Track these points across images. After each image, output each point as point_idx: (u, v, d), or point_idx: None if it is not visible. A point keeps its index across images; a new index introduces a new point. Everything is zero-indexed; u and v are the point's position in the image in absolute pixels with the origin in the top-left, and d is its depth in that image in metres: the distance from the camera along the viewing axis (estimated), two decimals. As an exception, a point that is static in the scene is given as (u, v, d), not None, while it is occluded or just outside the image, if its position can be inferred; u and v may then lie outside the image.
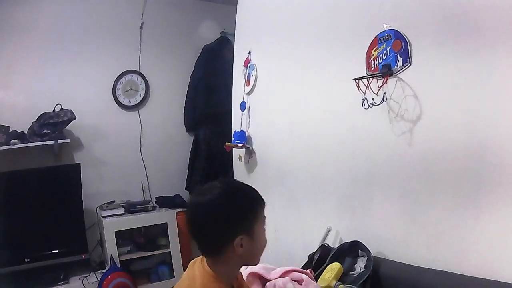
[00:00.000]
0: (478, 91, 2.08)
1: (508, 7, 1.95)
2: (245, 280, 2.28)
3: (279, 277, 2.42)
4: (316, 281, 2.48)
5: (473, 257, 2.12)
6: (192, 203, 1.78)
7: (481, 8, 2.07)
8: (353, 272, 2.57)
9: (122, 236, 4.96)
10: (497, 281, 1.92)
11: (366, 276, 2.41)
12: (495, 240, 2.02)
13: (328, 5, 3.11)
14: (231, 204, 1.71)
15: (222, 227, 1.70)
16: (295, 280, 2.39)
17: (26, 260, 4.39)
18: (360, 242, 2.64)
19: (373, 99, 2.59)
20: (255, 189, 1.83)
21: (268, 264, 2.54)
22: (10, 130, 4.67)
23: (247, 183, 1.86)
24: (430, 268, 2.27)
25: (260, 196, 1.82)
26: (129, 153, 5.57)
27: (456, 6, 2.18)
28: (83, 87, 5.29)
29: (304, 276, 2.41)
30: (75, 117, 4.86)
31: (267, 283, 2.38)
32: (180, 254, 5.20)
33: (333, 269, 2.52)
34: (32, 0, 5.09)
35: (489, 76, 2.03)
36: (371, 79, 2.59)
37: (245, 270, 2.42)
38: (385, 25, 2.54)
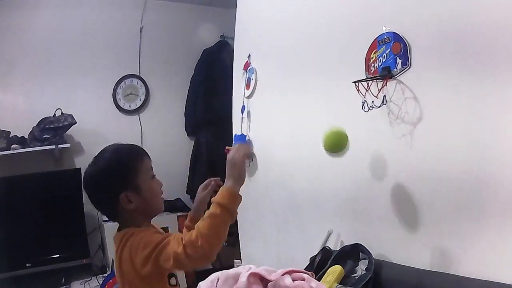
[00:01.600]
0: (478, 93, 2.08)
1: (509, 7, 1.95)
2: (247, 280, 2.29)
3: (279, 278, 2.42)
4: (318, 284, 2.48)
5: (474, 259, 2.11)
6: (84, 173, 1.97)
7: (481, 10, 2.07)
8: (354, 275, 2.57)
9: (124, 241, 4.96)
10: (498, 282, 1.91)
11: (368, 278, 2.41)
12: (496, 241, 2.01)
13: (328, 8, 3.11)
14: (103, 168, 1.91)
15: (101, 191, 1.91)
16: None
17: (27, 264, 4.41)
18: (361, 245, 2.64)
19: (373, 101, 2.59)
20: (136, 146, 2.05)
21: (269, 267, 2.54)
22: (11, 135, 4.69)
23: (133, 144, 2.08)
24: (432, 270, 2.26)
25: (140, 150, 2.03)
26: (129, 157, 5.57)
27: (455, 8, 2.18)
28: (83, 92, 5.32)
29: (305, 275, 2.41)
30: (76, 122, 4.88)
31: (268, 284, 2.38)
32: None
33: (334, 272, 2.52)
34: (31, 5, 5.11)
35: (489, 78, 2.03)
36: (370, 82, 2.59)
37: (246, 272, 2.42)
38: (384, 28, 2.54)
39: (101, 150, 2.00)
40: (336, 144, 2.66)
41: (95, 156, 1.98)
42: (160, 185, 2.07)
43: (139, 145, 5.36)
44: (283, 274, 2.34)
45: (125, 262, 1.84)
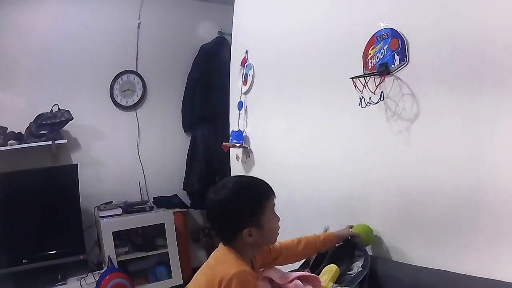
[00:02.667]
0: (476, 89, 2.08)
1: (507, 5, 1.95)
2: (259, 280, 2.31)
3: (289, 282, 2.41)
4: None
5: (471, 256, 2.11)
6: (208, 200, 2.04)
7: (479, 7, 2.07)
8: (350, 272, 2.57)
9: (120, 237, 4.97)
10: (495, 280, 1.92)
11: (363, 275, 2.40)
12: (493, 239, 2.01)
13: (325, 4, 3.11)
14: (237, 202, 1.99)
15: (230, 222, 1.99)
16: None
17: (24, 261, 4.41)
18: (357, 242, 2.64)
19: (370, 98, 2.59)
20: (263, 182, 2.11)
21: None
22: (8, 131, 4.68)
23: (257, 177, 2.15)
24: (428, 267, 2.26)
25: (268, 188, 2.09)
26: (126, 154, 5.59)
27: (454, 5, 2.18)
28: (80, 88, 5.31)
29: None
30: (73, 118, 4.87)
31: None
32: (177, 254, 5.22)
33: (329, 271, 2.51)
34: (29, 1, 5.08)
35: (487, 73, 2.03)
36: (368, 78, 2.59)
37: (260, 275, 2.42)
38: (382, 24, 2.54)
39: (234, 181, 2.15)
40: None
41: (226, 185, 2.05)
42: (278, 221, 2.13)
43: (136, 141, 5.45)
44: (292, 280, 2.33)
45: (218, 273, 1.89)
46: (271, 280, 2.31)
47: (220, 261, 1.97)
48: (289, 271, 2.44)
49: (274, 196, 2.10)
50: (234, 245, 2.01)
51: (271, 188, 2.10)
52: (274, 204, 2.09)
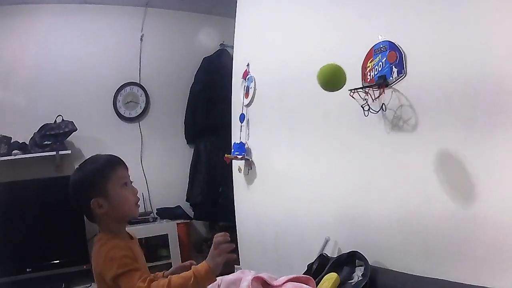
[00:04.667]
0: (474, 102, 2.10)
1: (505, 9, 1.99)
2: (250, 285, 2.34)
3: (281, 285, 2.44)
4: (315, 290, 2.50)
5: (470, 265, 2.13)
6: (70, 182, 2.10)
7: (476, 19, 2.10)
8: (351, 281, 2.59)
9: (123, 247, 4.97)
10: (493, 288, 1.94)
11: (363, 284, 2.43)
12: (491, 248, 2.04)
13: (325, 17, 3.14)
14: (81, 174, 2.08)
15: (76, 197, 2.08)
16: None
17: (27, 269, 4.44)
18: (358, 252, 2.66)
19: (369, 109, 2.62)
20: (108, 156, 2.17)
21: (267, 273, 2.57)
22: (12, 141, 4.72)
23: (110, 155, 2.20)
24: (427, 276, 2.28)
25: (113, 160, 2.14)
26: (129, 165, 5.54)
27: (451, 17, 2.21)
28: (84, 99, 5.34)
29: (304, 286, 2.44)
30: (76, 129, 4.91)
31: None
32: (180, 261, 5.21)
33: (330, 279, 2.54)
34: (32, 10, 5.15)
35: (483, 84, 2.06)
36: (367, 90, 2.62)
37: (248, 277, 2.45)
38: (380, 37, 2.57)
39: (84, 161, 2.18)
40: (331, 79, 2.46)
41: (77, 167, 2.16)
42: (135, 193, 2.16)
43: (140, 152, 5.47)
44: (286, 282, 2.37)
45: (97, 266, 1.96)
46: (264, 283, 2.34)
47: (95, 253, 2.01)
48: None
49: (125, 168, 2.15)
50: (98, 222, 2.08)
51: (118, 158, 2.16)
52: (126, 176, 2.13)
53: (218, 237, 1.96)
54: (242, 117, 4.10)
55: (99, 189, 2.02)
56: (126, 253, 1.93)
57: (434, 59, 2.29)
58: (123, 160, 2.17)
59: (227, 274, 2.69)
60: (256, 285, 2.37)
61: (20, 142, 4.78)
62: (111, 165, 2.11)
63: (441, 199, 2.27)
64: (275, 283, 2.45)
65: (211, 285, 2.31)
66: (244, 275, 2.50)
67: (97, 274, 1.97)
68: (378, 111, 2.59)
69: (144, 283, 1.79)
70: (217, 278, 2.61)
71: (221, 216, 5.46)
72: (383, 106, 2.56)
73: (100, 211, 2.01)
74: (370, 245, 2.71)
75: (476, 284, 2.03)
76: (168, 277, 1.88)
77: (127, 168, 2.17)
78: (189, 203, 5.81)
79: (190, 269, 1.96)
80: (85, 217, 2.12)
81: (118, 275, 1.83)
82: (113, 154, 2.19)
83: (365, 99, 2.62)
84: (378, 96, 2.55)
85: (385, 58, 2.53)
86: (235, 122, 4.26)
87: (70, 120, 4.93)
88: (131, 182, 2.17)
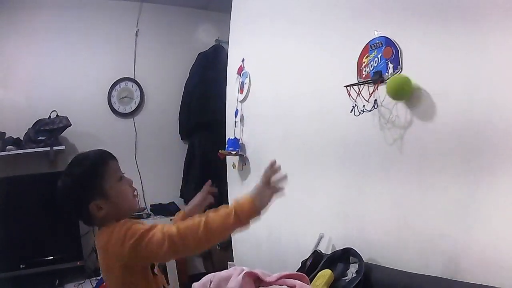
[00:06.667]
0: (468, 96, 2.10)
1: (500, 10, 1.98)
2: (242, 279, 2.32)
3: (275, 281, 2.44)
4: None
5: (465, 263, 2.12)
6: (57, 188, 1.92)
7: (471, 14, 2.09)
8: (345, 278, 2.59)
9: (117, 244, 4.95)
10: (489, 286, 1.93)
11: (357, 281, 2.42)
12: (487, 245, 2.03)
13: (320, 12, 3.13)
14: (68, 184, 1.88)
15: (69, 205, 1.91)
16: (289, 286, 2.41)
17: (21, 266, 4.41)
18: (352, 249, 2.66)
19: (364, 106, 2.61)
20: (96, 151, 2.00)
21: (261, 269, 2.56)
22: (6, 136, 4.69)
23: (96, 150, 2.04)
24: (422, 273, 2.27)
25: (102, 155, 1.97)
26: (123, 161, 5.52)
27: (446, 13, 2.20)
28: (79, 94, 5.33)
29: (297, 282, 2.43)
30: (71, 124, 4.89)
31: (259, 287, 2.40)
32: (174, 261, 5.20)
33: (324, 275, 2.54)
34: (29, 6, 5.12)
35: (479, 82, 2.05)
36: (362, 86, 2.61)
37: (239, 275, 2.44)
38: (376, 32, 2.56)
39: (69, 163, 1.99)
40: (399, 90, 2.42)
41: (64, 171, 1.96)
42: (130, 183, 2.01)
43: (134, 148, 5.46)
44: (279, 279, 2.36)
45: (112, 254, 1.80)
46: (257, 279, 2.34)
47: (102, 245, 1.85)
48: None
49: (116, 160, 1.98)
50: (98, 225, 1.91)
51: (107, 153, 1.99)
52: (119, 169, 1.98)
53: (270, 167, 1.88)
54: (236, 113, 4.09)
55: (95, 190, 1.85)
56: (136, 222, 1.85)
57: (430, 54, 2.29)
58: (114, 154, 2.01)
59: (220, 271, 2.68)
60: (249, 281, 2.37)
61: (15, 137, 4.76)
62: (102, 161, 1.93)
63: (435, 196, 2.27)
64: (268, 279, 2.44)
65: (202, 283, 2.30)
66: (237, 272, 2.49)
67: (108, 264, 1.84)
68: (370, 110, 2.58)
69: (172, 228, 1.69)
70: (210, 274, 2.62)
71: (215, 213, 5.44)
72: (376, 102, 2.55)
73: (100, 214, 1.85)
74: (365, 242, 2.71)
75: (470, 282, 2.03)
76: (205, 213, 1.76)
77: (117, 160, 2.00)
78: (183, 199, 5.80)
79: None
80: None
81: (139, 237, 1.71)
82: (99, 149, 2.04)
83: (355, 99, 2.63)
84: (372, 92, 2.54)
85: (380, 54, 2.53)
86: (230, 118, 4.25)
87: (64, 116, 4.90)
88: (123, 173, 2.00)
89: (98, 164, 1.91)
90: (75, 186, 1.87)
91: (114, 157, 2.00)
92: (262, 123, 3.79)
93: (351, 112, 2.68)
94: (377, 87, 2.52)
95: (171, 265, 5.17)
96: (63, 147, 4.93)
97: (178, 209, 5.51)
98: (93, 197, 1.84)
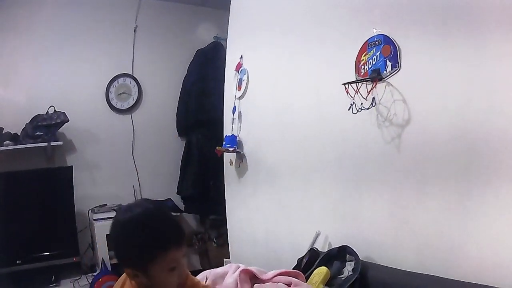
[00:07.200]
0: (467, 95, 2.10)
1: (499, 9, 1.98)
2: (238, 276, 2.32)
3: (271, 278, 2.44)
4: (304, 285, 2.50)
5: (461, 262, 2.13)
6: (114, 219, 1.73)
7: (469, 13, 2.09)
8: (341, 276, 2.59)
9: (114, 240, 4.95)
10: (485, 285, 1.94)
11: (354, 279, 2.42)
12: (483, 244, 2.03)
13: (319, 10, 3.13)
14: (126, 236, 1.65)
15: (117, 251, 1.70)
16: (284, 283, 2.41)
17: (17, 261, 4.40)
18: (348, 246, 2.66)
19: (362, 104, 2.61)
20: (173, 228, 1.70)
21: (257, 267, 2.56)
22: (4, 132, 4.67)
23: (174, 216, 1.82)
24: (418, 272, 2.28)
25: (168, 235, 1.66)
26: (121, 157, 5.58)
27: (445, 12, 2.20)
28: (77, 90, 5.31)
29: (293, 279, 2.43)
30: (68, 120, 4.88)
31: (254, 285, 2.40)
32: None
33: (320, 273, 2.54)
34: (28, 3, 5.10)
35: (477, 80, 2.05)
36: (360, 84, 2.61)
37: (234, 273, 2.44)
38: (374, 30, 2.56)
39: (142, 210, 1.68)
40: None
41: (130, 210, 1.68)
42: (180, 275, 1.69)
43: (131, 144, 5.46)
44: (275, 276, 2.36)
45: None
46: (253, 276, 2.34)
47: None
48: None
49: (179, 247, 1.66)
50: (128, 275, 1.72)
51: (178, 236, 1.68)
52: (178, 258, 1.65)
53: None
54: (234, 110, 4.08)
55: (138, 266, 1.62)
56: None
57: (428, 53, 2.29)
58: (178, 225, 1.74)
59: (216, 268, 2.68)
60: (244, 278, 2.37)
61: (12, 133, 4.75)
62: (164, 244, 1.61)
63: (432, 193, 2.27)
64: (264, 276, 2.44)
65: (199, 278, 2.29)
66: (232, 269, 2.49)
67: None
68: (368, 108, 2.58)
69: None
70: (206, 271, 2.62)
71: (212, 210, 5.46)
72: (374, 100, 2.55)
73: (133, 278, 1.66)
74: (361, 240, 2.71)
75: (466, 280, 2.03)
76: None
77: (182, 245, 1.68)
78: (180, 196, 5.80)
79: None
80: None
81: None
82: (171, 218, 1.77)
83: (353, 96, 2.63)
84: (370, 90, 2.54)
85: (379, 52, 2.52)
86: (227, 115, 4.24)
87: (62, 111, 4.89)
88: (183, 256, 1.70)
89: (158, 245, 1.62)
90: (125, 240, 1.65)
91: (182, 240, 1.70)
92: (259, 120, 3.78)
93: (349, 109, 2.67)
94: (375, 85, 2.51)
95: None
96: (60, 143, 4.92)
97: (174, 206, 5.55)
98: (134, 267, 1.64)
